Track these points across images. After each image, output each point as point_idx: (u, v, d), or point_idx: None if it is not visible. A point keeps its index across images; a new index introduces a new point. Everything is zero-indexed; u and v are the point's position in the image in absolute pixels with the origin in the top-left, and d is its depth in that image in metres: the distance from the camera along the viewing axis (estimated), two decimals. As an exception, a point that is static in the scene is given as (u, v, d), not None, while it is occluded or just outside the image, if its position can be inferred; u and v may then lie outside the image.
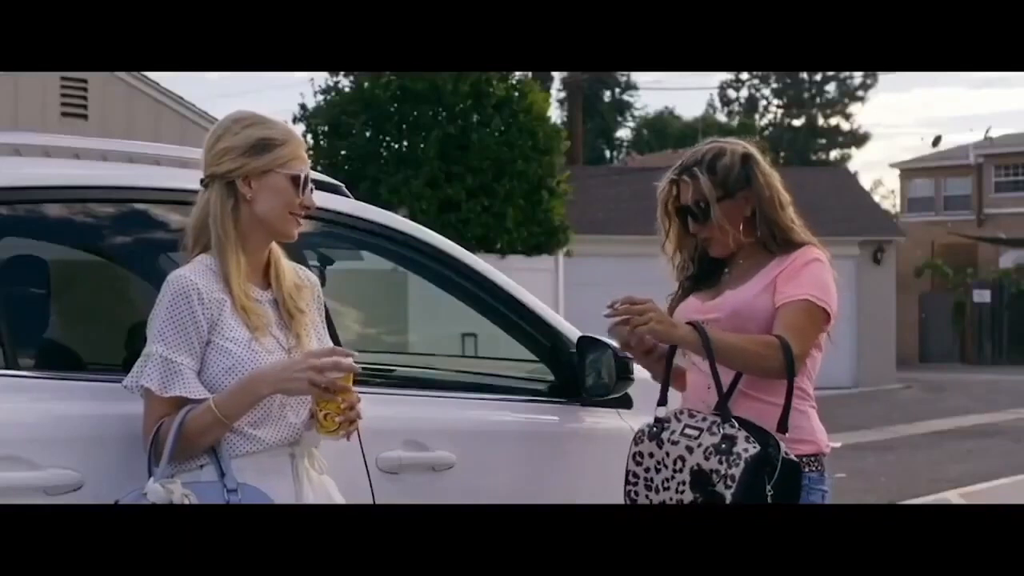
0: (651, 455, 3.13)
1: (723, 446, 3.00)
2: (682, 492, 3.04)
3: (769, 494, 2.97)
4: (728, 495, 2.95)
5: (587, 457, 3.76)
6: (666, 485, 3.08)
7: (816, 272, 3.19)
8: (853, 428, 14.34)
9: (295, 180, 2.80)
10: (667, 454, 3.09)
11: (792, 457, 3.04)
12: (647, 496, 3.13)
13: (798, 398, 3.21)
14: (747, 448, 2.98)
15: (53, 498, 2.68)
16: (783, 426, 3.08)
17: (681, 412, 3.15)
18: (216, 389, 2.69)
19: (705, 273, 3.35)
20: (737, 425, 3.03)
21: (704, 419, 3.09)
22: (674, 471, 3.07)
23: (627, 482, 3.18)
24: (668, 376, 3.25)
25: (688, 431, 3.08)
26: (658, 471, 3.11)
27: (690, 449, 3.05)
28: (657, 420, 3.16)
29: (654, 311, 3.06)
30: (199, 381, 2.70)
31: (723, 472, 2.98)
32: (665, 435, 3.11)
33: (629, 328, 3.05)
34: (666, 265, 3.41)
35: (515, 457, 3.61)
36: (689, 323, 3.10)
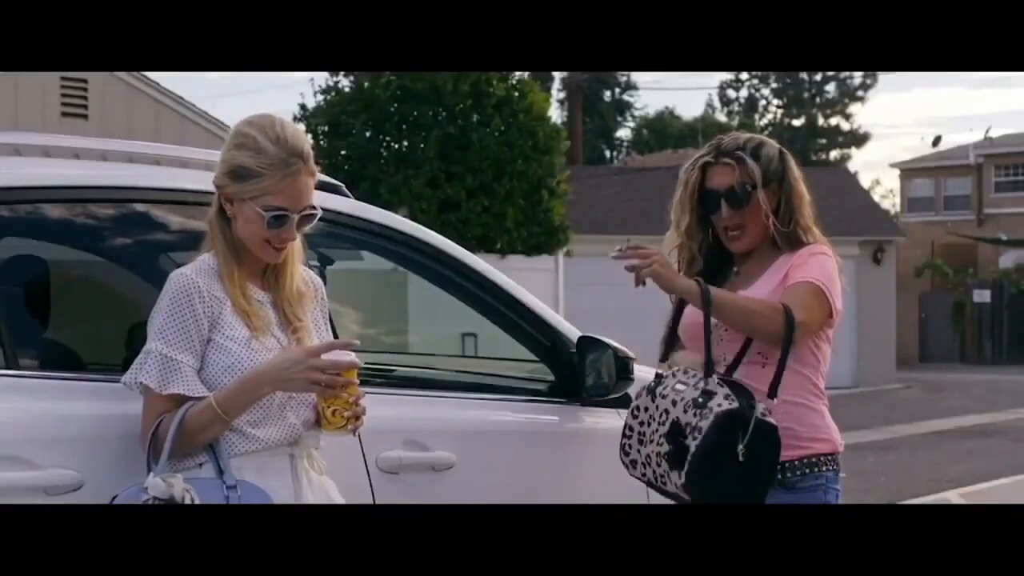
0: (645, 409, 3.18)
1: (700, 400, 3.04)
2: (661, 444, 3.08)
3: (740, 452, 2.97)
4: (693, 446, 2.98)
5: (587, 457, 3.76)
6: (651, 438, 3.12)
7: (823, 263, 3.22)
8: (853, 428, 14.32)
9: (273, 216, 2.72)
10: (656, 407, 3.14)
11: (769, 420, 3.04)
12: (638, 449, 3.18)
13: (815, 396, 3.23)
14: (721, 404, 3.00)
15: (53, 498, 2.68)
16: (773, 391, 3.10)
17: (678, 370, 3.18)
18: (216, 387, 2.69)
19: (712, 273, 3.34)
20: (719, 382, 3.06)
21: (694, 375, 3.12)
22: (659, 424, 3.11)
23: (623, 435, 3.23)
24: (673, 333, 3.27)
25: (678, 387, 3.12)
26: (649, 425, 3.15)
27: (674, 403, 3.10)
28: (657, 376, 3.21)
29: (658, 255, 3.10)
30: (198, 379, 2.70)
31: (694, 424, 3.01)
32: (659, 389, 3.16)
33: (634, 271, 3.07)
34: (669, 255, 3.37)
35: (515, 457, 3.61)
36: (694, 279, 3.12)
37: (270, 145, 2.73)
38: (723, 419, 2.97)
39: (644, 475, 3.18)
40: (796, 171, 3.32)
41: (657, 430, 3.10)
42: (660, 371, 3.22)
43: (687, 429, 3.02)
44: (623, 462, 3.24)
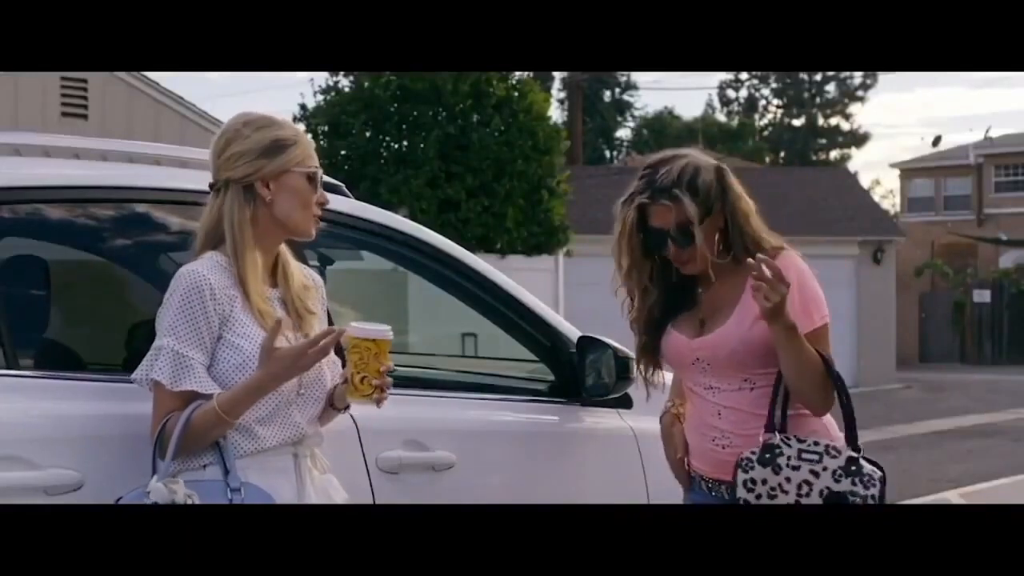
0: (764, 481, 3.01)
1: (852, 468, 2.99)
2: None
3: None
4: None
5: (587, 457, 3.76)
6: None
7: (808, 288, 3.08)
8: (853, 428, 14.30)
9: (311, 177, 2.84)
10: (787, 479, 3.00)
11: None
12: None
13: None
14: (873, 470, 3.01)
15: (53, 498, 2.68)
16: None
17: (788, 437, 3.04)
18: (226, 385, 2.69)
19: (673, 298, 3.21)
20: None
21: (815, 443, 3.03)
22: (798, 495, 3.00)
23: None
24: (780, 401, 3.07)
25: (806, 456, 3.02)
26: (772, 497, 3.01)
27: (815, 473, 3.00)
28: (767, 446, 3.03)
29: (786, 292, 2.89)
30: (209, 376, 2.70)
31: (862, 493, 2.98)
32: (782, 460, 3.01)
33: (757, 290, 2.89)
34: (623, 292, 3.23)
35: (515, 457, 3.62)
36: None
37: (280, 119, 2.86)
38: (883, 486, 3.01)
39: None
40: (736, 186, 3.15)
41: (798, 502, 2.99)
42: (770, 440, 3.04)
43: (851, 497, 2.97)
44: None
